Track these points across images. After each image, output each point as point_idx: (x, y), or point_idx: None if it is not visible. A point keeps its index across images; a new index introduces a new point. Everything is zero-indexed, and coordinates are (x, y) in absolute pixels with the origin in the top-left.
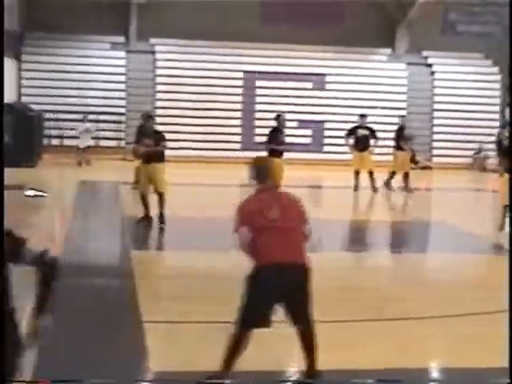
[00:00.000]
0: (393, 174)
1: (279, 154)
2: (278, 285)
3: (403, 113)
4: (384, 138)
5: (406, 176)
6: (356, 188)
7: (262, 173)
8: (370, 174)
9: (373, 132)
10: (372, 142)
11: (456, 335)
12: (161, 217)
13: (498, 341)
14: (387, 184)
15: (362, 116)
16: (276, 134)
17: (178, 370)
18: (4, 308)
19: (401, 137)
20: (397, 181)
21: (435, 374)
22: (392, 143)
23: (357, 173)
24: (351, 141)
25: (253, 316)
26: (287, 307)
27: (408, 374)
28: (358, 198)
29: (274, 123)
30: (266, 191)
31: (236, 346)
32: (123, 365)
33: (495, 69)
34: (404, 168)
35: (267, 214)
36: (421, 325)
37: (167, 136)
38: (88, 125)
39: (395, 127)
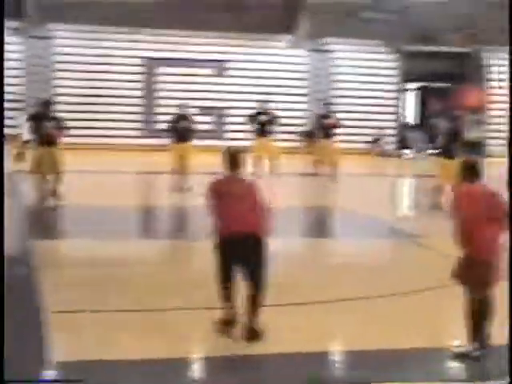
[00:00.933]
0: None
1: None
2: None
3: (305, 99)
4: (286, 124)
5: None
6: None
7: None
8: (271, 159)
9: (274, 118)
10: (274, 128)
11: (366, 318)
12: (54, 195)
13: (410, 322)
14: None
15: (264, 102)
16: (178, 121)
17: (81, 359)
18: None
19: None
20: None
21: (339, 357)
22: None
23: (258, 158)
24: (254, 127)
25: (220, 275)
26: (243, 268)
27: (321, 356)
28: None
29: (177, 110)
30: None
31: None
32: (25, 356)
33: (394, 56)
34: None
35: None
36: (329, 309)
37: (67, 123)
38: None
39: (298, 113)
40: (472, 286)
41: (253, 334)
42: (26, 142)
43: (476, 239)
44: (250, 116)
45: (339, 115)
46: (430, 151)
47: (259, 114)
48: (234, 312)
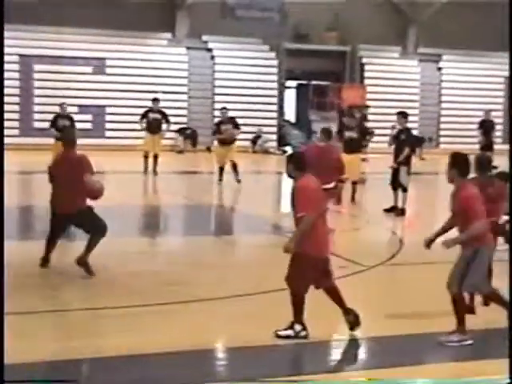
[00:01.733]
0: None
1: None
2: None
3: (185, 97)
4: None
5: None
6: (146, 171)
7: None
8: (155, 157)
9: (165, 116)
10: (164, 125)
11: (237, 314)
12: None
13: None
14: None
15: (155, 100)
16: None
17: (22, 361)
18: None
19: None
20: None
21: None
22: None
23: (146, 156)
24: (144, 124)
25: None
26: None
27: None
28: (146, 182)
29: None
30: None
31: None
32: None
33: (272, 54)
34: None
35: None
36: (208, 306)
37: None
38: None
39: (178, 111)
40: None
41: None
42: None
43: None
44: (142, 114)
45: (219, 113)
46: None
47: (150, 111)
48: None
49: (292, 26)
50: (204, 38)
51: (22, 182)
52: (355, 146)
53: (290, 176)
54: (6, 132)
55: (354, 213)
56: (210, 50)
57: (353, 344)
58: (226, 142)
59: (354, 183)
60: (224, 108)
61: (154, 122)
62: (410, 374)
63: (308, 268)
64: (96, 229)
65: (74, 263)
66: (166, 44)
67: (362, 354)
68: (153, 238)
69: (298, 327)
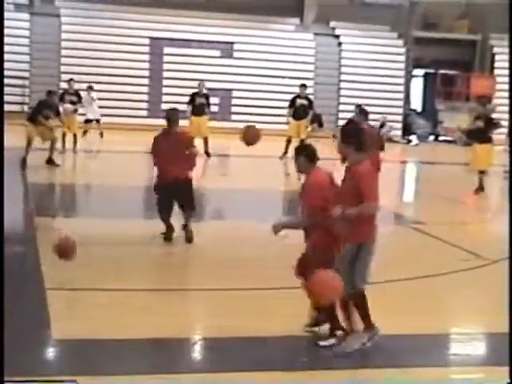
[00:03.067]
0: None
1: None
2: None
3: (311, 83)
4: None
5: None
6: (285, 155)
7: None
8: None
9: (310, 102)
10: (309, 111)
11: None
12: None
13: None
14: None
15: (302, 86)
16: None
17: (80, 337)
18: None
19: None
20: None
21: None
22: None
23: (289, 141)
24: (290, 110)
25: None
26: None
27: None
28: (279, 165)
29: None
30: None
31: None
32: (25, 333)
33: (400, 41)
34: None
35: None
36: None
37: None
38: (93, 94)
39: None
40: None
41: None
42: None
43: None
44: (291, 100)
45: (344, 99)
46: (434, 137)
47: (297, 97)
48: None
49: (421, 14)
50: (332, 24)
51: (147, 161)
52: (484, 136)
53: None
54: (134, 113)
55: (481, 204)
56: (337, 36)
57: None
58: None
59: (482, 172)
60: (303, 85)
61: (300, 107)
62: None
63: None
64: (190, 203)
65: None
66: (294, 29)
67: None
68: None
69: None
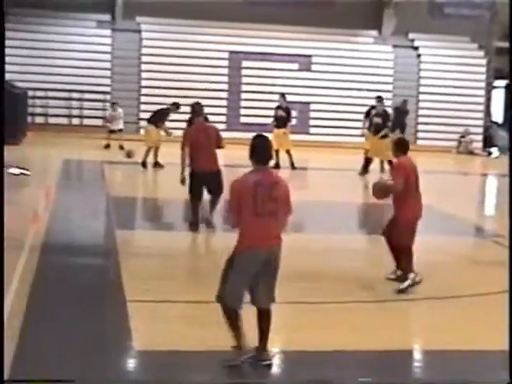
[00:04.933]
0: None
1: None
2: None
3: (389, 95)
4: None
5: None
6: (365, 171)
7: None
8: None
9: (387, 117)
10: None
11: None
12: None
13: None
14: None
15: (379, 98)
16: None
17: (161, 349)
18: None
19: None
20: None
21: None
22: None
23: (367, 159)
24: (366, 124)
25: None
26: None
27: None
28: (357, 181)
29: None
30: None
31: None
32: (107, 344)
33: (481, 52)
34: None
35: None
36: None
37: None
38: (119, 110)
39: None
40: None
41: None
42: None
43: None
44: (366, 113)
45: (424, 112)
46: None
47: (372, 110)
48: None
49: (502, 24)
50: (410, 35)
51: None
52: None
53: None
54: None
55: None
56: (416, 48)
57: None
58: None
59: None
60: (379, 97)
61: (375, 123)
62: None
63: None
64: (219, 190)
65: None
66: (373, 42)
67: None
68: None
69: (411, 275)
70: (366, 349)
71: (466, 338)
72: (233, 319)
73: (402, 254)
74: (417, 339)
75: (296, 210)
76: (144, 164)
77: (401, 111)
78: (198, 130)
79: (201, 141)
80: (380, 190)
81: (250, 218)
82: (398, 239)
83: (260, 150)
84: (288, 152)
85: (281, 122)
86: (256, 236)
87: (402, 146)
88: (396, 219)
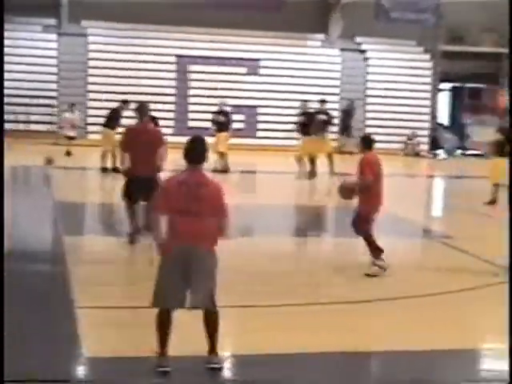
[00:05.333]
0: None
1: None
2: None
3: (336, 98)
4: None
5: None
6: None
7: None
8: (329, 156)
9: (330, 117)
10: (328, 127)
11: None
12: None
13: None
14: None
15: (322, 102)
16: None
17: (111, 355)
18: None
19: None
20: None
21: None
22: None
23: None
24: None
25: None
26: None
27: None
28: (306, 184)
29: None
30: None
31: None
32: (56, 351)
33: (427, 56)
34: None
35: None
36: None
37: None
38: (77, 112)
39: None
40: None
41: None
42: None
43: None
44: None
45: (371, 115)
46: (461, 151)
47: (317, 113)
48: None
49: (447, 28)
50: (358, 39)
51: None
52: (502, 150)
53: None
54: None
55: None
56: (363, 51)
57: None
58: None
59: (496, 185)
60: (323, 100)
61: (319, 123)
62: None
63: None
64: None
65: None
66: (320, 45)
67: None
68: (302, 238)
69: (379, 262)
70: (317, 351)
71: (419, 338)
72: (161, 322)
73: (366, 242)
74: (364, 340)
75: (242, 214)
76: (105, 169)
77: (347, 113)
78: (138, 132)
79: (139, 143)
80: (346, 190)
81: (174, 216)
82: (357, 230)
83: (192, 151)
84: (222, 154)
85: (223, 126)
86: (179, 235)
87: (368, 142)
88: (357, 211)
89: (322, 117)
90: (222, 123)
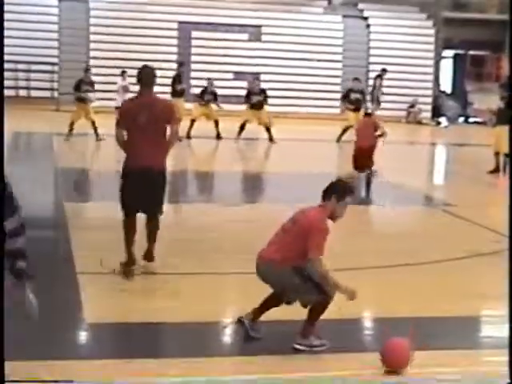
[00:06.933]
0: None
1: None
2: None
3: (339, 65)
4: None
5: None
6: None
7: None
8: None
9: (363, 95)
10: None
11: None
12: None
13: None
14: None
15: (356, 79)
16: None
17: (112, 321)
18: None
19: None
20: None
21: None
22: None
23: (346, 129)
24: (347, 103)
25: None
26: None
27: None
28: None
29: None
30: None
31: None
32: (57, 316)
33: (430, 22)
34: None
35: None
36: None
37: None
38: (126, 82)
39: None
40: None
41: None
42: None
43: None
44: (344, 94)
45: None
46: (464, 119)
47: (351, 91)
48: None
49: None
50: (360, 6)
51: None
52: (504, 118)
53: None
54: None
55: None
56: (365, 18)
57: None
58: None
59: (507, 156)
60: (356, 78)
61: (354, 100)
62: None
63: None
64: (156, 207)
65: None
66: (322, 12)
67: None
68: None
69: None
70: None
71: (421, 305)
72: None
73: None
74: (371, 307)
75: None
76: None
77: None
78: (139, 107)
79: (140, 123)
80: None
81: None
82: None
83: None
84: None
85: (263, 103)
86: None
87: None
88: None
89: (356, 95)
90: (261, 101)
